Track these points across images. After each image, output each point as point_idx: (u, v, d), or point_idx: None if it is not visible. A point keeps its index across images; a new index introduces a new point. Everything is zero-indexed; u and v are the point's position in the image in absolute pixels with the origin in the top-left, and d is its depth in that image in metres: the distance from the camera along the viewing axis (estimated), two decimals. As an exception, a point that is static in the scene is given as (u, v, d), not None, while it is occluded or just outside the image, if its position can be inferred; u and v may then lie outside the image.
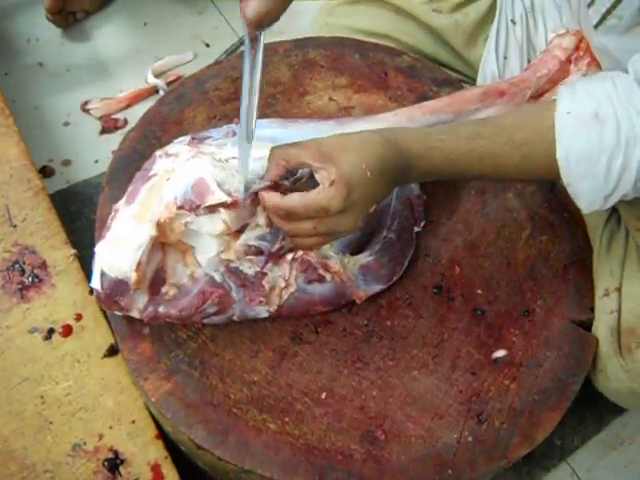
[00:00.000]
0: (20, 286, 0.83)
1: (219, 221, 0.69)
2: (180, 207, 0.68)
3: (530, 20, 0.98)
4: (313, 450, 0.70)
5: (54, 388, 0.77)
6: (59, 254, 0.86)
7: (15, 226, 0.87)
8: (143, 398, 0.76)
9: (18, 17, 1.43)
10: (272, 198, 0.67)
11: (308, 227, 0.67)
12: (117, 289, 0.70)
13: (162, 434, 0.76)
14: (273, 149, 0.69)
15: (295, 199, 0.66)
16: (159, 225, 0.69)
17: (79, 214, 1.15)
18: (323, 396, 0.74)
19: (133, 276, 0.69)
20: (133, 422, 0.76)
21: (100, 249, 0.72)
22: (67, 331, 0.80)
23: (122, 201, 0.74)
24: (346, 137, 0.69)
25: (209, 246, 0.72)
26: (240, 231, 0.73)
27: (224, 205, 0.68)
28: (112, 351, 0.79)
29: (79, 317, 0.81)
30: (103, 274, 0.70)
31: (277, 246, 0.74)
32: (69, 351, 0.79)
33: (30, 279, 0.84)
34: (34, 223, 0.88)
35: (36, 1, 1.40)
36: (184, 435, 0.70)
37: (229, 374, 0.74)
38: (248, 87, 0.64)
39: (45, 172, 1.20)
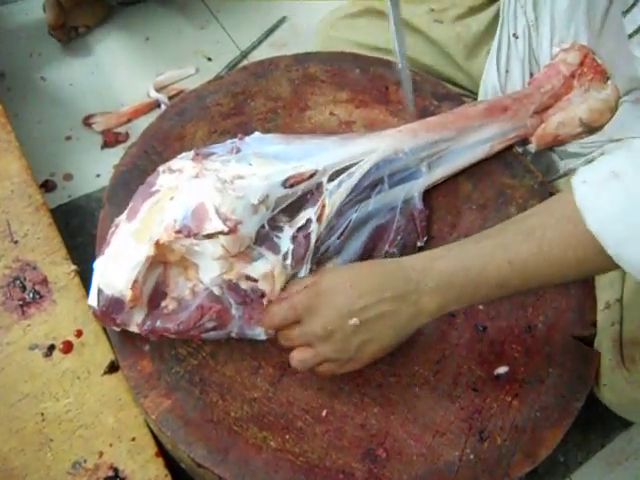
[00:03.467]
0: (21, 302, 0.83)
1: (218, 246, 0.69)
2: (178, 232, 0.68)
3: (533, 33, 0.98)
4: (314, 468, 0.70)
5: (54, 405, 0.77)
6: (60, 270, 0.86)
7: (16, 242, 0.87)
8: (143, 415, 0.76)
9: (21, 32, 1.44)
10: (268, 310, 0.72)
11: (289, 333, 0.71)
12: (113, 306, 0.70)
13: (162, 451, 0.76)
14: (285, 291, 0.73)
15: (276, 303, 0.71)
16: (158, 246, 0.69)
17: (80, 229, 1.15)
18: (324, 413, 0.73)
19: (128, 294, 0.69)
20: (133, 439, 0.76)
21: (98, 265, 0.72)
22: (67, 348, 0.80)
23: (123, 216, 0.74)
24: (346, 265, 0.74)
25: (212, 266, 0.72)
26: (245, 254, 0.73)
27: (221, 233, 0.68)
28: (112, 368, 0.79)
29: (79, 333, 0.81)
30: (100, 291, 0.70)
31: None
32: (69, 368, 0.79)
33: (31, 295, 0.83)
34: (35, 239, 0.88)
35: (38, 16, 1.40)
36: (184, 453, 0.70)
37: (229, 391, 0.74)
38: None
39: (47, 186, 1.21)
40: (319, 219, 0.77)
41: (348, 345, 0.67)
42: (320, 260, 0.78)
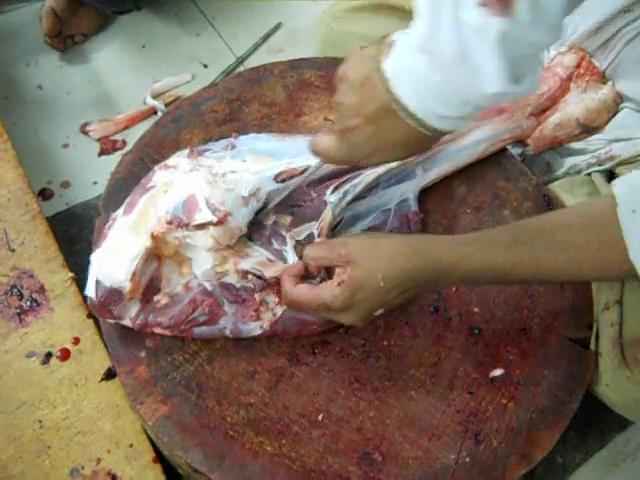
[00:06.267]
0: (18, 310, 0.83)
1: (208, 236, 0.70)
2: (169, 222, 0.69)
3: None
4: (310, 473, 0.70)
5: (52, 412, 0.77)
6: (57, 278, 0.86)
7: (13, 250, 0.88)
8: (141, 421, 0.76)
9: (17, 41, 1.45)
10: (284, 284, 0.73)
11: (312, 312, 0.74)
12: (111, 298, 0.71)
13: (160, 457, 0.76)
14: (306, 249, 0.74)
15: (302, 291, 0.71)
16: (154, 237, 0.70)
17: (78, 236, 1.15)
18: (320, 417, 0.74)
19: (128, 286, 0.70)
20: (131, 446, 0.76)
21: (96, 258, 0.73)
22: (65, 355, 0.80)
23: (120, 211, 0.75)
24: (375, 242, 0.71)
25: (205, 259, 0.73)
26: (241, 249, 0.74)
27: (210, 223, 0.70)
28: (109, 374, 0.79)
29: (77, 341, 0.82)
30: (98, 282, 0.71)
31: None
32: (67, 375, 0.79)
33: (28, 303, 0.84)
34: (32, 247, 0.88)
35: (35, 25, 1.41)
36: (181, 459, 0.70)
37: (225, 396, 0.74)
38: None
39: (44, 194, 1.21)
40: (319, 235, 0.80)
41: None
42: None
